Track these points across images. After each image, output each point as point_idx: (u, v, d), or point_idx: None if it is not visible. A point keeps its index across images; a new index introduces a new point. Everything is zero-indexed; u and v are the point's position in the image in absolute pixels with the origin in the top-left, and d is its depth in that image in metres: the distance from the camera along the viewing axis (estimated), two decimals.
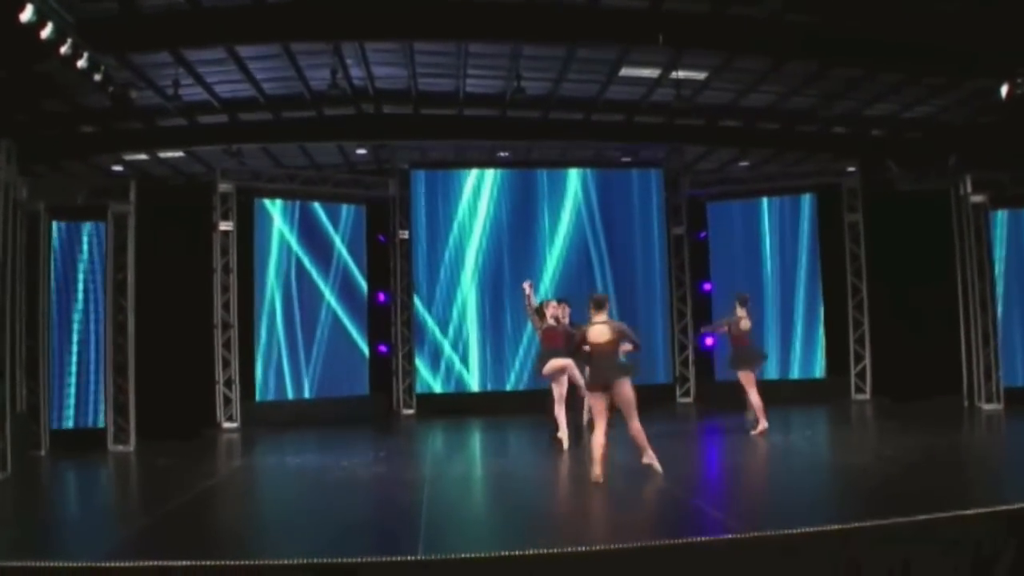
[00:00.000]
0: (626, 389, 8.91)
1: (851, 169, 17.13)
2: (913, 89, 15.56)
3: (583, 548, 6.51)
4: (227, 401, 15.16)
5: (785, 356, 16.82)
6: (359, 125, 16.81)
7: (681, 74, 14.71)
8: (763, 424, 12.18)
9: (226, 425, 15.03)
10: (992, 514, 7.17)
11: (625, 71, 14.86)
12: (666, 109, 16.40)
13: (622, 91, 15.84)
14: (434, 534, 7.30)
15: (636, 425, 9.00)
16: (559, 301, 12.28)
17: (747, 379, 12.41)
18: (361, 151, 18.55)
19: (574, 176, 17.26)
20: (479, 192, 16.97)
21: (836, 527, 6.88)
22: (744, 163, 19.57)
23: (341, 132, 17.01)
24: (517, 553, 6.34)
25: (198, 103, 15.28)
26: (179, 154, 17.65)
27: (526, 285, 11.93)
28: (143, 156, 17.48)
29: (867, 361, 16.57)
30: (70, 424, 13.15)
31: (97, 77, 11.57)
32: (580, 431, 11.81)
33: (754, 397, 12.29)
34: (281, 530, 7.94)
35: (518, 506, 8.71)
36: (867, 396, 16.43)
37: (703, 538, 6.82)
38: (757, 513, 7.93)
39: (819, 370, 16.72)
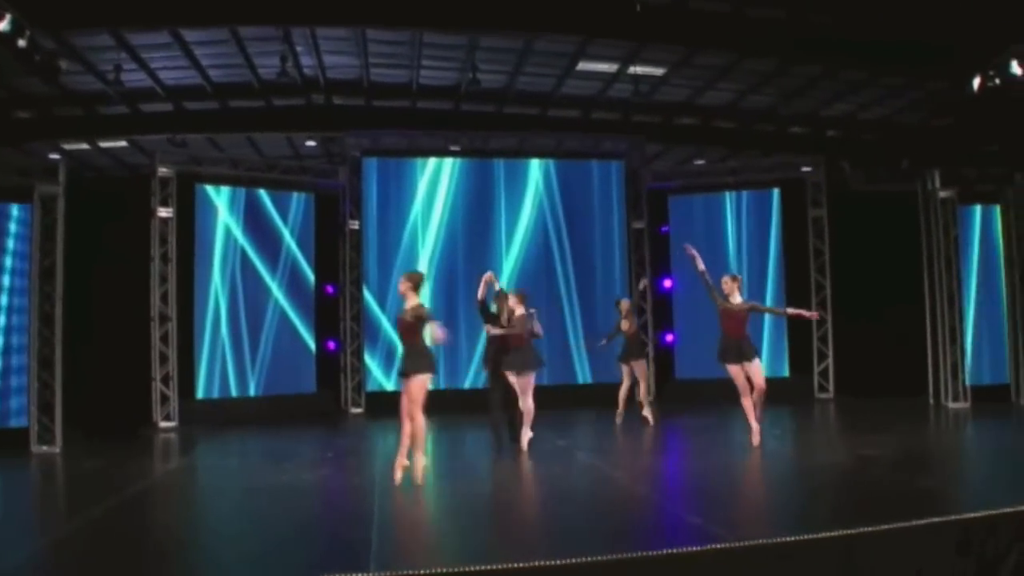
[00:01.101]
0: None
1: (806, 169, 16.49)
2: (871, 90, 15.16)
3: (552, 562, 5.67)
4: (164, 399, 13.95)
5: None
6: (309, 116, 15.92)
7: (639, 69, 14.20)
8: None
9: (163, 424, 13.83)
10: (998, 517, 6.53)
11: (583, 65, 14.27)
12: (623, 105, 15.95)
13: (579, 86, 15.25)
14: (388, 547, 6.36)
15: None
16: (518, 293, 11.42)
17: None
18: (311, 143, 17.57)
19: (535, 166, 16.31)
20: (435, 182, 15.94)
21: (839, 533, 6.09)
22: (700, 161, 18.93)
23: (290, 123, 16.09)
24: (479, 568, 5.47)
25: (141, 90, 14.31)
26: (121, 144, 16.48)
27: (490, 278, 10.91)
28: (83, 145, 16.32)
29: (830, 360, 15.93)
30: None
31: (21, 43, 10.43)
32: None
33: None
34: (216, 543, 6.91)
35: (478, 514, 7.78)
36: (831, 395, 15.79)
37: (696, 548, 5.99)
38: (742, 520, 7.10)
39: (782, 369, 16.05)
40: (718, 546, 6.08)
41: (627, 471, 9.60)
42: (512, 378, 10.46)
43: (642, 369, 13.08)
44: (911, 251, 14.82)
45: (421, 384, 8.27)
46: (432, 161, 16.06)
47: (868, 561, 6.19)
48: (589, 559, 5.64)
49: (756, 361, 10.33)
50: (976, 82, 12.81)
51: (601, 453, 11.04)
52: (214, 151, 16.33)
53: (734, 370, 10.27)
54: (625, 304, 13.15)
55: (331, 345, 15.65)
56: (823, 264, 15.98)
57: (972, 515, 6.60)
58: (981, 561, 6.42)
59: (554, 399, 15.02)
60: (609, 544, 6.26)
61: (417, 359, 8.31)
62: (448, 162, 16.09)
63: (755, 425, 10.27)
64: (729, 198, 16.43)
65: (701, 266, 10.55)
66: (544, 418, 11.18)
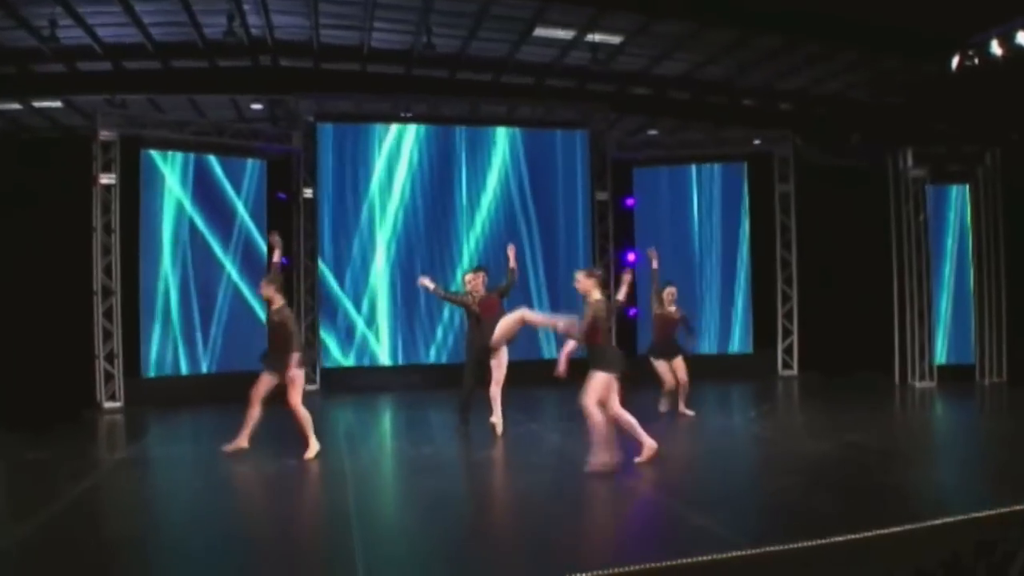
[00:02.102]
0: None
1: (756, 141, 16.00)
2: (826, 64, 14.63)
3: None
4: (108, 377, 12.91)
5: (712, 330, 15.64)
6: (255, 78, 14.79)
7: (597, 37, 13.52)
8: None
9: (108, 405, 12.80)
10: (1009, 515, 6.28)
11: (539, 31, 13.52)
12: (577, 73, 15.21)
13: (534, 52, 14.47)
14: (374, 556, 5.66)
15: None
16: (476, 270, 10.75)
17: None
18: (257, 106, 16.45)
19: (500, 135, 15.40)
20: (393, 149, 14.93)
21: (854, 537, 5.70)
22: (653, 131, 18.30)
23: (236, 85, 14.95)
24: None
25: (78, 48, 13.14)
26: (56, 104, 15.22)
27: (426, 282, 10.32)
28: (15, 105, 15.03)
29: (795, 336, 15.53)
30: None
31: None
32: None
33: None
34: (182, 555, 6.12)
35: (463, 513, 7.06)
36: (795, 372, 15.39)
37: (716, 556, 5.43)
38: (751, 521, 6.46)
39: (745, 344, 15.61)
40: (739, 553, 5.53)
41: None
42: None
43: (682, 369, 11.51)
44: (879, 229, 14.41)
45: (602, 381, 7.82)
46: (392, 128, 15.02)
47: (884, 564, 5.76)
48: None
49: (680, 359, 11.45)
50: (955, 61, 12.50)
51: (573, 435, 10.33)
52: (155, 113, 15.08)
53: (662, 366, 11.47)
54: (671, 292, 11.61)
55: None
56: (789, 240, 15.50)
57: (987, 513, 6.27)
58: (991, 561, 6.02)
59: (519, 376, 14.49)
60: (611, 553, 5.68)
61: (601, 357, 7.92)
62: (407, 128, 15.08)
63: (688, 411, 11.32)
64: (696, 171, 15.82)
65: (655, 265, 11.49)
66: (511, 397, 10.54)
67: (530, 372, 14.54)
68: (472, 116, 15.65)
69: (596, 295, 8.10)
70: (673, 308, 11.55)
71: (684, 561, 5.40)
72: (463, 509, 7.24)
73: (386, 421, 12.67)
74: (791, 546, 5.61)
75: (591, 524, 6.72)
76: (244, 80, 14.84)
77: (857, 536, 5.75)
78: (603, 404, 7.89)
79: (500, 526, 6.78)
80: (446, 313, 14.73)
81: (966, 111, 15.02)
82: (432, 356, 14.82)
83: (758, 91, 16.23)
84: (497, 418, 10.14)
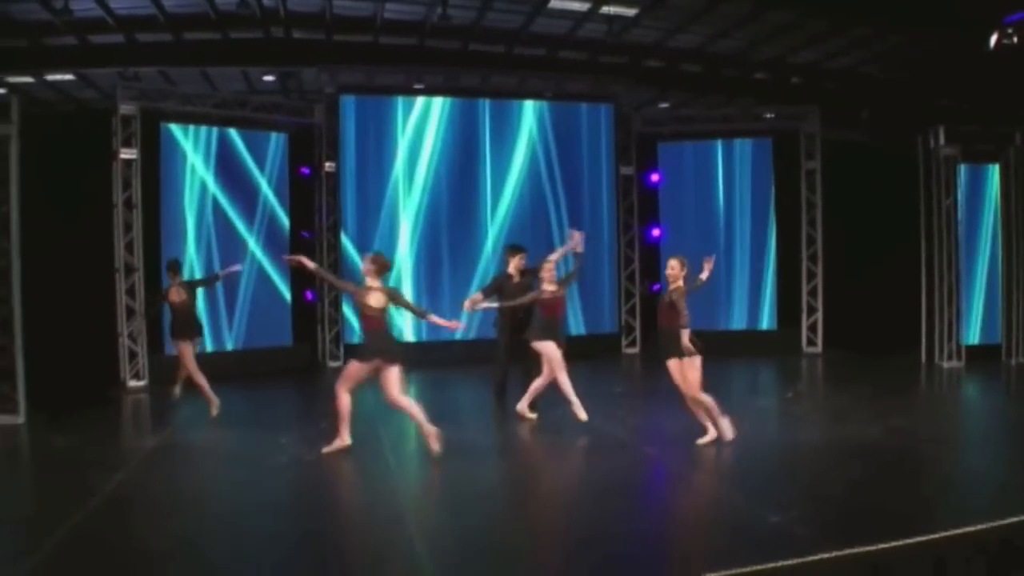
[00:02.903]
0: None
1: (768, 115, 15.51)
2: (837, 40, 14.17)
3: None
4: (132, 356, 12.48)
5: (735, 306, 15.22)
6: (268, 50, 14.22)
7: (612, 9, 13.04)
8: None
9: (132, 384, 12.32)
10: None
11: (554, 3, 13.04)
12: (590, 46, 14.69)
13: (548, 24, 13.92)
14: (441, 556, 5.31)
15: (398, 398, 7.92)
16: (513, 249, 10.15)
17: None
18: (269, 78, 15.89)
19: (526, 108, 14.79)
20: (419, 122, 14.32)
21: (946, 534, 5.37)
22: (664, 104, 17.75)
23: (248, 57, 14.41)
24: None
25: (91, 20, 12.55)
26: (69, 77, 14.69)
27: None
28: (28, 79, 14.43)
29: (819, 314, 15.11)
30: None
31: None
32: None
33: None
34: (233, 557, 5.67)
35: (515, 506, 6.68)
36: (819, 349, 14.99)
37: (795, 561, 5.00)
38: (824, 516, 5.99)
39: (769, 321, 15.19)
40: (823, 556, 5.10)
41: (658, 447, 8.44)
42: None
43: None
44: (907, 208, 13.95)
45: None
46: (417, 101, 14.40)
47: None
48: None
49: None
50: (992, 39, 11.99)
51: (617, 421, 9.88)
52: (175, 87, 14.48)
53: (549, 347, 9.15)
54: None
55: (308, 295, 14.22)
56: (815, 217, 15.02)
57: None
58: None
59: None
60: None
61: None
62: (431, 101, 14.45)
63: (575, 400, 9.18)
64: (721, 146, 15.27)
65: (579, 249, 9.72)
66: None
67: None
68: (495, 89, 15.02)
69: (680, 283, 7.86)
70: (554, 287, 9.27)
71: (781, 564, 4.98)
72: (514, 501, 6.85)
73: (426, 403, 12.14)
74: (883, 546, 5.18)
75: (664, 524, 6.25)
76: (257, 52, 14.28)
77: (950, 533, 5.41)
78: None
79: (560, 522, 6.34)
80: (474, 286, 14.25)
81: (992, 89, 14.57)
82: (459, 331, 14.29)
83: (771, 64, 15.75)
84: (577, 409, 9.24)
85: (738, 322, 15.10)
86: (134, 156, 12.42)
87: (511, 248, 10.25)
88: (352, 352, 13.97)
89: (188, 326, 10.53)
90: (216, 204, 13.20)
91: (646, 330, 15.12)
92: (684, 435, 8.24)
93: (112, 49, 13.60)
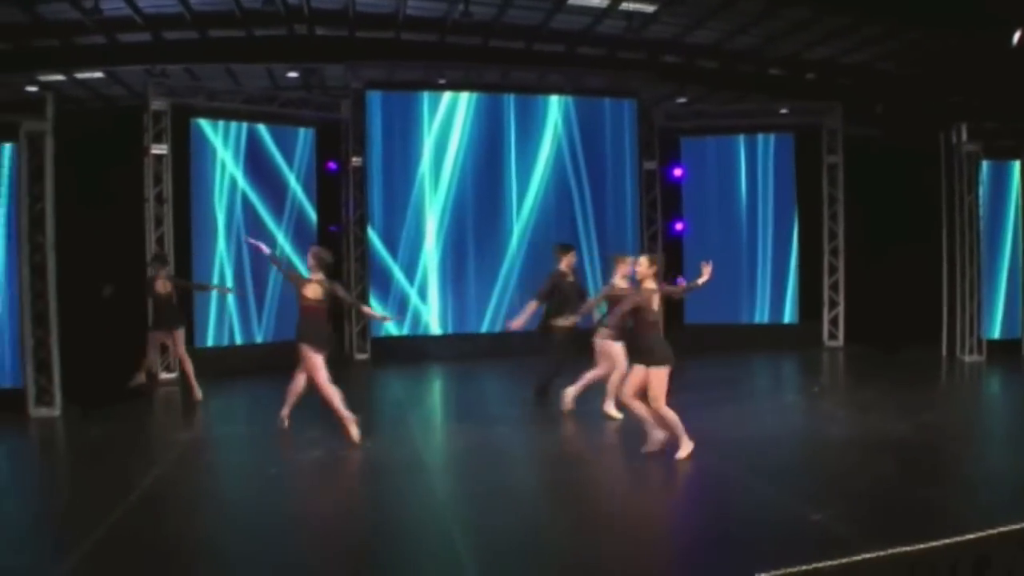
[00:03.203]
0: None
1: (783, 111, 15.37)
2: (853, 36, 14.04)
3: None
4: (164, 349, 12.53)
5: (756, 300, 15.18)
6: (291, 46, 14.23)
7: (631, 6, 12.99)
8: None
9: (164, 376, 12.37)
10: None
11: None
12: (608, 42, 14.64)
13: (567, 20, 13.86)
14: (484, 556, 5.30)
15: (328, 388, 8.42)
16: (565, 248, 10.12)
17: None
18: (292, 74, 15.91)
19: (553, 103, 14.67)
20: (445, 117, 14.22)
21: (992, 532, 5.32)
22: (682, 99, 17.68)
23: (272, 53, 14.40)
24: None
25: (119, 19, 12.62)
26: (98, 75, 14.79)
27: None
28: (59, 77, 14.51)
29: (841, 308, 15.04)
30: None
31: None
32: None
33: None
34: (274, 556, 5.59)
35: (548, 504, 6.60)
36: (840, 343, 14.94)
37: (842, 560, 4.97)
38: (864, 514, 5.95)
39: (791, 315, 15.14)
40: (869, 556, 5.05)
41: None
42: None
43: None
44: (928, 202, 13.87)
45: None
46: (444, 96, 14.30)
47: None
48: None
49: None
50: (1016, 36, 11.95)
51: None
52: (205, 82, 14.52)
53: (616, 349, 8.96)
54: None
55: None
56: (836, 212, 14.94)
57: None
58: None
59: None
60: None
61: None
62: (457, 96, 14.37)
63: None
64: (744, 141, 15.20)
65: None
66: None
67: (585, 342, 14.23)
68: (519, 84, 14.93)
69: (651, 284, 7.68)
70: (625, 284, 8.99)
71: (826, 564, 4.95)
72: (551, 500, 6.81)
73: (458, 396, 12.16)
74: (928, 545, 5.15)
75: (707, 523, 6.19)
76: (280, 49, 14.31)
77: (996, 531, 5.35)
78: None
79: (599, 522, 6.26)
80: (500, 279, 14.27)
81: (1014, 86, 14.45)
82: (485, 324, 14.31)
83: (786, 61, 15.67)
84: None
85: (760, 315, 15.04)
86: (165, 151, 12.41)
87: (563, 247, 10.11)
88: (377, 345, 14.09)
89: (169, 317, 10.94)
90: (245, 198, 13.18)
91: (669, 325, 15.06)
92: (710, 431, 8.22)
93: (140, 47, 13.67)
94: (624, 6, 12.97)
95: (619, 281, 9.04)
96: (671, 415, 7.44)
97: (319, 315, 8.55)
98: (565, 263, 9.80)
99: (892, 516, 5.93)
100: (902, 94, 16.01)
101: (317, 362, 8.40)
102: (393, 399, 11.65)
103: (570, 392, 9.42)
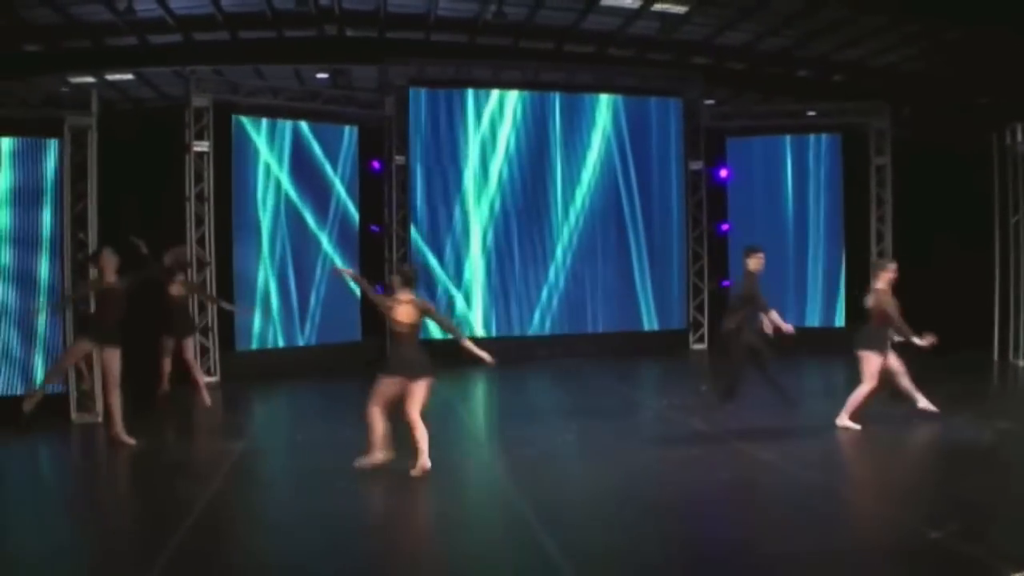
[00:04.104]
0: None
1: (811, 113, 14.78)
2: (887, 35, 13.60)
3: None
4: (204, 351, 11.84)
5: (805, 303, 14.49)
6: (321, 48, 13.91)
7: (661, 7, 12.66)
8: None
9: (204, 380, 11.78)
10: None
11: (606, 0, 12.58)
12: (637, 43, 14.26)
13: (597, 21, 13.48)
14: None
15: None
16: (753, 249, 9.41)
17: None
18: (322, 75, 15.39)
19: (603, 103, 13.98)
20: (493, 115, 13.55)
21: None
22: (710, 101, 17.05)
23: (302, 54, 14.13)
24: None
25: (151, 20, 12.28)
26: (128, 77, 14.38)
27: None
28: (90, 79, 13.95)
29: None
30: (18, 390, 9.14)
31: None
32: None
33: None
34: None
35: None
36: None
37: None
38: (986, 532, 5.25)
39: (840, 318, 14.46)
40: None
41: (774, 451, 7.57)
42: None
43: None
44: (976, 203, 13.18)
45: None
46: (492, 93, 13.66)
47: None
48: None
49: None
50: None
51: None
52: (248, 79, 13.95)
53: (872, 359, 8.38)
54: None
55: (379, 289, 13.52)
56: (884, 214, 14.26)
57: None
58: None
59: (616, 345, 13.46)
60: None
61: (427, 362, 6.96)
62: (507, 95, 13.69)
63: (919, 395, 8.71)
64: (790, 142, 14.52)
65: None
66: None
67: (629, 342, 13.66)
68: (566, 82, 14.25)
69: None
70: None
71: None
72: (646, 511, 6.04)
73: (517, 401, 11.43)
74: None
75: (825, 543, 5.38)
76: (310, 49, 13.95)
77: None
78: None
79: (703, 537, 5.53)
80: (551, 276, 13.60)
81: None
82: (535, 324, 13.58)
83: (813, 62, 15.10)
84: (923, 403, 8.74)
85: (811, 319, 14.36)
86: (206, 148, 11.74)
87: (751, 248, 9.28)
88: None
89: (180, 324, 10.14)
90: (288, 199, 12.48)
91: (714, 326, 14.45)
92: (789, 436, 7.59)
93: (170, 48, 13.28)
94: (657, 7, 12.64)
95: (883, 287, 8.57)
96: (423, 430, 6.74)
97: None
98: (754, 264, 9.09)
99: (1012, 532, 5.26)
100: (949, 94, 15.41)
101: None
102: (446, 405, 10.94)
103: (845, 417, 8.38)
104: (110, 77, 14.45)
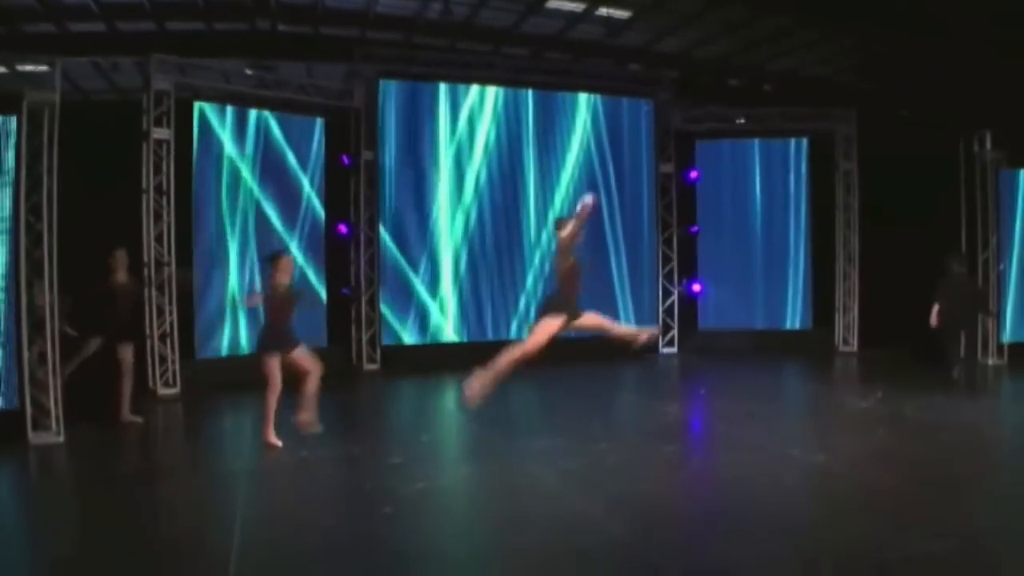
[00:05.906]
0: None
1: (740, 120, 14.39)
2: (823, 47, 13.24)
3: None
4: (162, 360, 10.41)
5: (771, 305, 14.07)
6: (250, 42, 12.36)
7: (606, 11, 12.07)
8: None
9: (163, 392, 10.27)
10: None
11: (552, 3, 11.87)
12: (576, 46, 13.43)
13: (538, 24, 12.62)
14: None
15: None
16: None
17: None
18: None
19: (583, 101, 13.24)
20: (475, 110, 12.64)
21: None
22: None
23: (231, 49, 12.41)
24: None
25: (120, 5, 10.84)
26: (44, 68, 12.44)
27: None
28: (43, 68, 12.18)
29: (855, 313, 14.05)
30: None
31: None
32: None
33: None
34: None
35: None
36: (854, 348, 13.93)
37: None
38: None
39: (804, 321, 14.07)
40: None
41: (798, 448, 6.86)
42: None
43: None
44: (944, 209, 13.06)
45: None
46: (472, 88, 12.72)
47: None
48: None
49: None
50: None
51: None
52: (212, 65, 12.34)
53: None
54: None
55: (345, 291, 12.33)
56: (850, 218, 13.98)
57: None
58: None
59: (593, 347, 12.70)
60: None
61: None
62: (484, 90, 12.79)
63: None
64: (759, 146, 14.07)
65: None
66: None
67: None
68: (542, 80, 13.38)
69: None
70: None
71: None
72: (718, 515, 5.19)
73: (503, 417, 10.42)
74: None
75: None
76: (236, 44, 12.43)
77: None
78: None
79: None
80: (529, 281, 12.69)
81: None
82: (512, 331, 12.60)
83: (747, 70, 14.73)
84: None
85: (774, 321, 13.97)
86: (167, 137, 10.33)
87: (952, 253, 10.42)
88: (389, 353, 12.27)
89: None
90: (253, 196, 11.20)
91: (683, 329, 13.88)
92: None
93: (141, 37, 11.63)
94: (602, 11, 12.01)
95: None
96: None
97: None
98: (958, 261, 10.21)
99: None
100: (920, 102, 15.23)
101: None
102: (452, 428, 9.87)
103: None
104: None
